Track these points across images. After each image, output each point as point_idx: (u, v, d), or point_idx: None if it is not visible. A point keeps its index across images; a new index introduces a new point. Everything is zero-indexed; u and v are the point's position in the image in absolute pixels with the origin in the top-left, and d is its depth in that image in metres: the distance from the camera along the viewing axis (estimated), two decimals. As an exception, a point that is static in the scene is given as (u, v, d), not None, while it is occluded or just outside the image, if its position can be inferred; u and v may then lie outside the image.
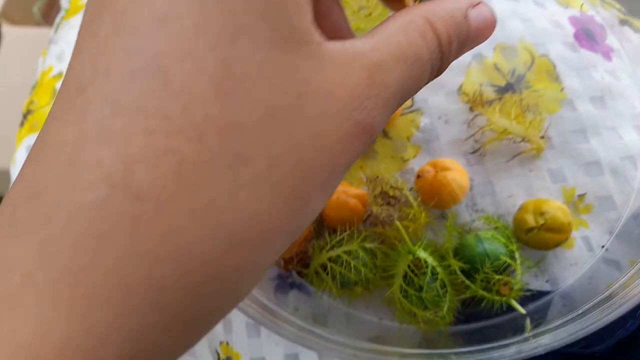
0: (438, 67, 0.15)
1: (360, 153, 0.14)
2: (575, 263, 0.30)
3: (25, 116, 0.41)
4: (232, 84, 0.12)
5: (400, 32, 0.14)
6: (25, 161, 0.13)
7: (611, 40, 0.35)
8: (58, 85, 0.41)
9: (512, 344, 0.26)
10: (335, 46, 0.13)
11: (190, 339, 0.13)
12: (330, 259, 0.29)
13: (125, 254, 0.11)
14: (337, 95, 0.13)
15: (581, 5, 0.35)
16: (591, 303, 0.28)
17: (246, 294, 0.14)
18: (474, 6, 0.16)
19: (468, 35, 0.15)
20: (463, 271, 0.28)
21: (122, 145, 0.11)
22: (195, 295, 0.12)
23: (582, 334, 0.24)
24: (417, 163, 0.33)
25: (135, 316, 0.11)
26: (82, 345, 0.11)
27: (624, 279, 0.28)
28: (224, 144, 0.12)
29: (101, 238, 0.11)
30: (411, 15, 0.15)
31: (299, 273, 0.32)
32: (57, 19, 0.46)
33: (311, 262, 0.30)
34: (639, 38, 0.35)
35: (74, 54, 0.13)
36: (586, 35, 0.35)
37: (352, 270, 0.28)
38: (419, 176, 0.31)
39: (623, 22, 0.36)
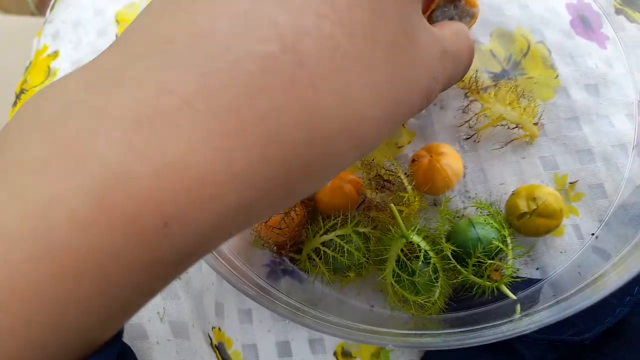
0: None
1: (419, 111, 0.19)
2: (564, 251, 0.30)
3: (18, 96, 0.40)
4: (381, 7, 0.14)
5: (454, 34, 0.20)
6: (185, 6, 0.14)
7: (607, 29, 0.35)
8: (53, 64, 0.40)
9: (502, 324, 0.26)
10: (430, 26, 0.18)
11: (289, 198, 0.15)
12: (323, 244, 0.29)
13: (275, 108, 0.13)
14: (425, 60, 0.17)
15: (578, -7, 0.35)
16: (577, 288, 0.28)
17: (333, 175, 0.16)
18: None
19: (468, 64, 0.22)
20: (455, 256, 0.28)
21: (297, 17, 0.13)
22: (318, 149, 0.14)
23: (571, 312, 0.24)
24: (411, 149, 0.32)
25: (276, 162, 0.13)
26: (221, 175, 0.12)
27: (609, 265, 0.28)
28: (364, 48, 0.14)
29: (261, 89, 0.12)
30: (459, 25, 0.21)
31: (292, 260, 0.32)
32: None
33: (304, 247, 0.30)
34: (634, 27, 0.35)
35: None
36: (582, 23, 0.34)
37: (345, 254, 0.28)
38: (413, 160, 0.30)
39: (619, 12, 0.36)
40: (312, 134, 0.13)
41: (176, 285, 0.31)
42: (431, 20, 0.30)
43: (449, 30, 0.20)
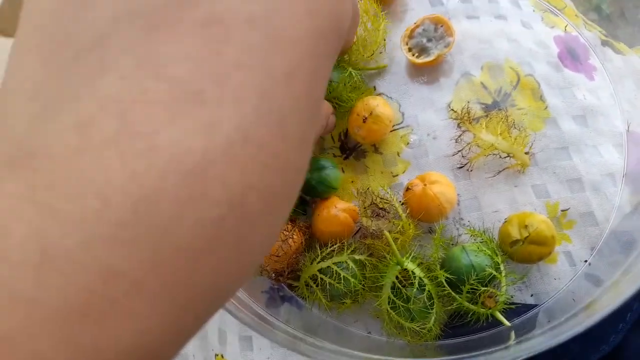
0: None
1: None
2: (558, 278, 0.31)
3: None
4: (305, 136, 0.13)
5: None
6: None
7: (594, 60, 0.36)
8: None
9: (497, 350, 0.26)
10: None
11: None
12: (320, 271, 0.30)
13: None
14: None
15: (565, 27, 0.36)
16: (572, 312, 0.29)
17: None
18: (331, 114, 0.21)
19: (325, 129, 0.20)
20: (449, 283, 0.28)
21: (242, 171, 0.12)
22: None
23: (562, 338, 0.25)
24: (407, 178, 0.33)
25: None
26: None
27: (600, 291, 0.29)
28: (291, 184, 0.13)
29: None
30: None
31: (290, 286, 0.32)
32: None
33: (302, 274, 0.30)
34: (619, 58, 0.36)
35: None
36: (570, 55, 0.36)
37: (342, 281, 0.29)
38: (408, 189, 0.31)
39: (605, 43, 0.37)
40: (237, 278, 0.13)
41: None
42: (412, 37, 0.33)
43: None
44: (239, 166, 0.11)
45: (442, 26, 0.33)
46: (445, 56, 0.34)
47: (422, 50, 0.33)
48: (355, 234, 0.32)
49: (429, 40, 0.32)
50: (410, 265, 0.29)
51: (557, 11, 0.37)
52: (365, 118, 0.31)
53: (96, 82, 0.11)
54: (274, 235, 0.14)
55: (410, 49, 0.34)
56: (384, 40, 0.35)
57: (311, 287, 0.30)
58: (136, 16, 0.11)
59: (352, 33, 0.21)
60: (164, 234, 0.11)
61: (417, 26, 0.34)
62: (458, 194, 0.32)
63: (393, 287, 0.28)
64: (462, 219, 0.32)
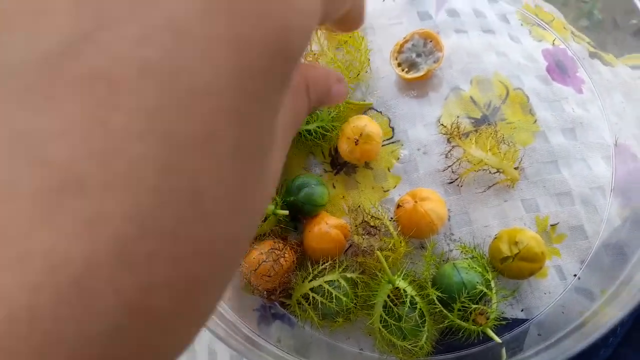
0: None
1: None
2: (549, 292, 0.31)
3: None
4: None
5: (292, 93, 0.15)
6: None
7: (582, 73, 0.36)
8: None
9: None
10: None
11: None
12: (312, 289, 0.29)
13: None
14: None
15: (553, 40, 0.37)
16: (564, 331, 0.29)
17: None
18: (337, 84, 0.17)
19: (326, 100, 0.17)
20: (441, 301, 0.28)
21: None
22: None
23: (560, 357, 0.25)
24: (397, 193, 0.33)
25: None
26: None
27: (595, 307, 0.29)
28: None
29: None
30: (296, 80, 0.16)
31: (282, 304, 0.32)
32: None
33: (294, 293, 0.30)
34: (608, 70, 0.37)
35: None
36: (558, 68, 0.36)
37: (334, 300, 0.29)
38: (398, 206, 0.31)
39: (593, 55, 0.37)
40: None
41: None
42: (402, 52, 0.32)
43: None
44: (135, 267, 0.09)
45: (431, 41, 0.33)
46: (434, 71, 0.34)
47: (412, 66, 0.33)
48: (346, 250, 0.32)
49: (419, 55, 0.32)
50: (401, 284, 0.29)
51: (545, 24, 0.37)
52: (357, 140, 0.31)
53: None
54: (201, 324, 0.11)
55: (399, 64, 0.34)
56: (368, 60, 0.35)
57: (303, 305, 0.30)
58: (8, 74, 0.09)
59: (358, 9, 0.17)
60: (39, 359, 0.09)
61: (407, 41, 0.34)
62: (449, 209, 0.33)
63: (385, 306, 0.28)
64: (452, 234, 0.32)
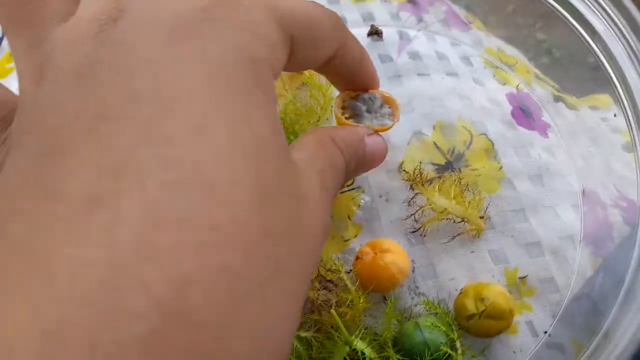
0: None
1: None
2: (520, 350, 0.29)
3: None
4: (263, 193, 0.12)
5: (318, 146, 0.17)
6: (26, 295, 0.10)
7: (547, 117, 0.36)
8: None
9: None
10: (295, 155, 0.15)
11: None
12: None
13: None
14: (310, 198, 0.15)
15: (517, 85, 0.36)
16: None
17: None
18: (369, 135, 0.20)
19: (364, 157, 0.19)
20: (403, 364, 0.26)
21: (172, 264, 0.10)
22: None
23: None
24: (359, 243, 0.31)
25: None
26: None
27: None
28: (266, 255, 0.12)
29: None
30: (320, 135, 0.18)
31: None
32: None
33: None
34: (572, 114, 0.36)
35: (55, 162, 0.12)
36: (523, 112, 0.35)
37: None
38: (357, 258, 0.29)
39: (557, 99, 0.37)
40: None
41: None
42: (356, 98, 0.27)
43: (306, 145, 0.18)
44: (160, 259, 0.10)
45: (389, 107, 0.28)
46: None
47: (355, 116, 0.28)
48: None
49: (369, 111, 0.28)
50: (359, 345, 0.26)
51: (507, 68, 0.36)
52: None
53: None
54: (254, 337, 0.12)
55: (345, 107, 0.28)
56: (332, 106, 0.33)
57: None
58: None
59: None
60: None
61: (358, 95, 0.28)
62: (413, 260, 0.31)
63: (341, 370, 0.26)
64: (417, 287, 0.30)
